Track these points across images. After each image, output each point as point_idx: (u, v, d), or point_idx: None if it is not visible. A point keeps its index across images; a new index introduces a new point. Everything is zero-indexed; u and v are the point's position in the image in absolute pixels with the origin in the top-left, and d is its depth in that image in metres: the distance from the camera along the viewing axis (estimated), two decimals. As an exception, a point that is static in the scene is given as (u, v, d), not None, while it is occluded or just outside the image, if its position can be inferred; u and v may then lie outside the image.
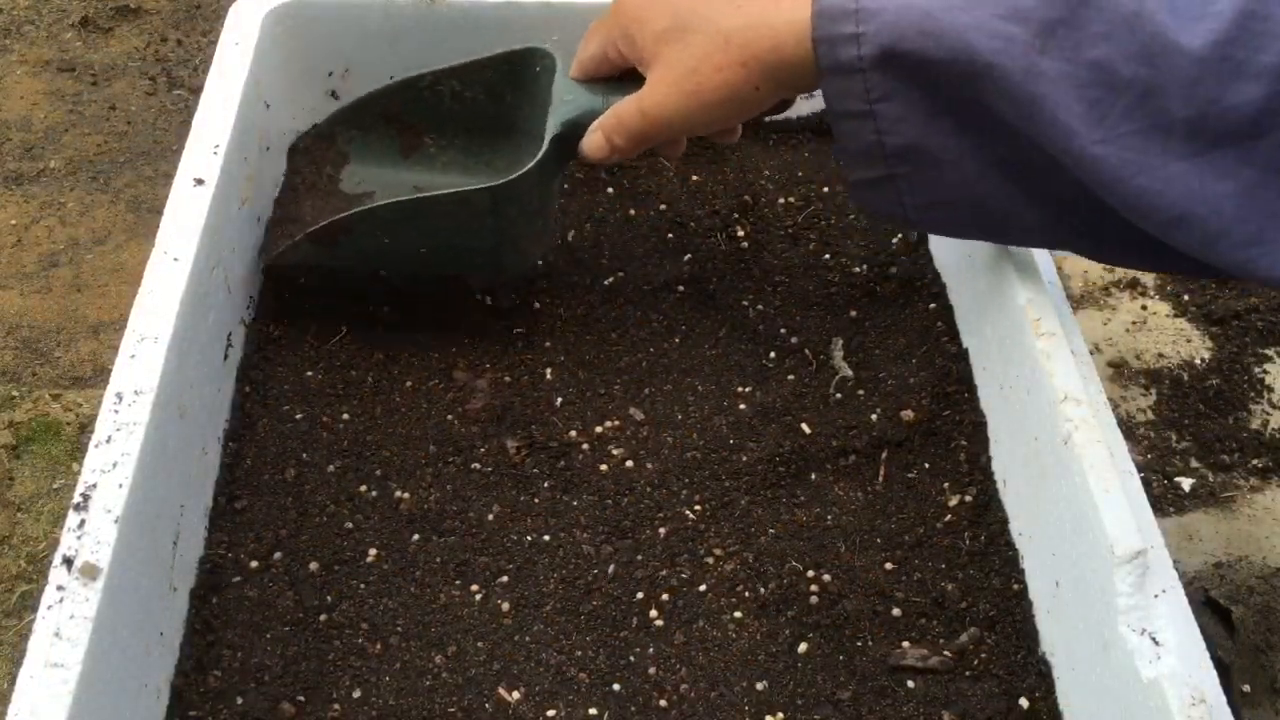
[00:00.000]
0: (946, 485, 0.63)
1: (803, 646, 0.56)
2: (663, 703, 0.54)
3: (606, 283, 0.72)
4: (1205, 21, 0.45)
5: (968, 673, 0.56)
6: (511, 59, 0.66)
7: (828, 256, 0.75)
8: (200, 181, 0.63)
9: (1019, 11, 0.49)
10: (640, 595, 0.58)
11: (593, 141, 0.62)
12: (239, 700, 0.53)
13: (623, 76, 0.62)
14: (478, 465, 0.62)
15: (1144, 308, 1.02)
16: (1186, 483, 0.86)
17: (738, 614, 0.57)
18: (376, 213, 0.62)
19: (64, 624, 0.45)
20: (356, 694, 0.54)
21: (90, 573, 0.47)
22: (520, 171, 0.61)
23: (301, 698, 0.53)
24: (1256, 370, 0.98)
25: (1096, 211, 0.51)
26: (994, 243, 0.61)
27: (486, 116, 0.67)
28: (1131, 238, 0.51)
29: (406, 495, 0.61)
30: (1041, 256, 0.62)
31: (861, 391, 0.67)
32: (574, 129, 0.62)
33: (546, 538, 0.60)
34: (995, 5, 0.49)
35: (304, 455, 0.62)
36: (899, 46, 0.50)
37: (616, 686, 0.54)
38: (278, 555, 0.58)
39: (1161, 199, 0.47)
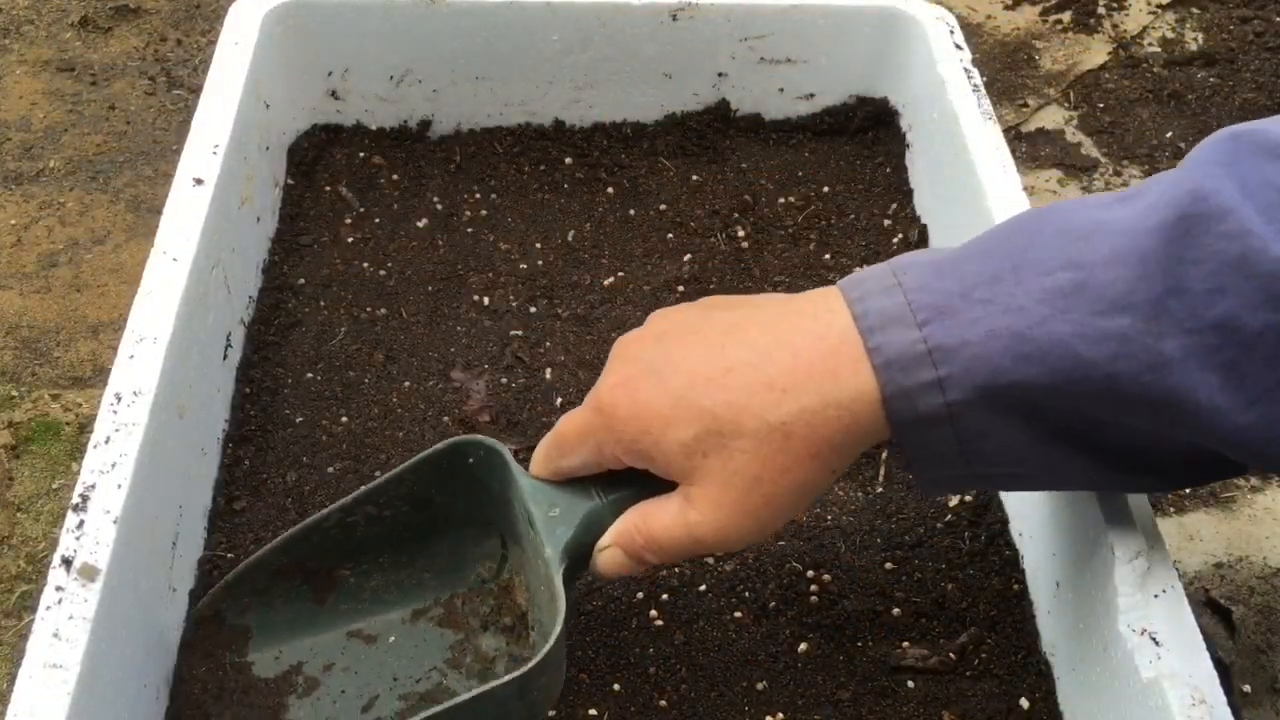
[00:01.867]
0: (946, 485, 0.63)
1: (803, 646, 0.56)
2: (663, 703, 0.54)
3: (606, 283, 0.72)
4: None
5: (968, 673, 0.55)
6: (436, 461, 0.51)
7: (828, 256, 0.74)
8: (200, 181, 0.63)
9: (1118, 301, 0.41)
10: (640, 595, 0.58)
11: (612, 561, 0.49)
12: (238, 701, 0.53)
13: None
14: (477, 465, 0.62)
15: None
16: (1186, 483, 0.86)
17: (738, 614, 0.57)
18: None
19: (63, 624, 0.45)
20: (356, 694, 0.54)
21: (89, 573, 0.46)
22: (549, 645, 0.46)
23: (301, 698, 0.53)
24: (1256, 370, 0.97)
25: (1189, 464, 0.46)
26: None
27: (412, 525, 0.53)
28: (1201, 471, 0.46)
29: (406, 495, 0.61)
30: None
31: (861, 391, 0.67)
32: (579, 548, 0.49)
33: (546, 538, 0.60)
34: (1090, 302, 0.41)
35: (303, 457, 0.62)
36: (996, 382, 0.42)
37: (616, 686, 0.54)
38: (277, 555, 0.58)
39: None
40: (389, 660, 0.53)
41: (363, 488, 0.51)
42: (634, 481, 0.49)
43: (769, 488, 0.45)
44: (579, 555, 0.49)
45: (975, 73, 0.73)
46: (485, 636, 0.53)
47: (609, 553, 0.49)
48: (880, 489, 0.63)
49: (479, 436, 0.51)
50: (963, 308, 0.42)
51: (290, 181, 0.77)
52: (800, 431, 0.44)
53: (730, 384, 0.44)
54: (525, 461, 0.51)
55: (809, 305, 0.46)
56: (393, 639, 0.54)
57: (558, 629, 0.46)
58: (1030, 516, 0.58)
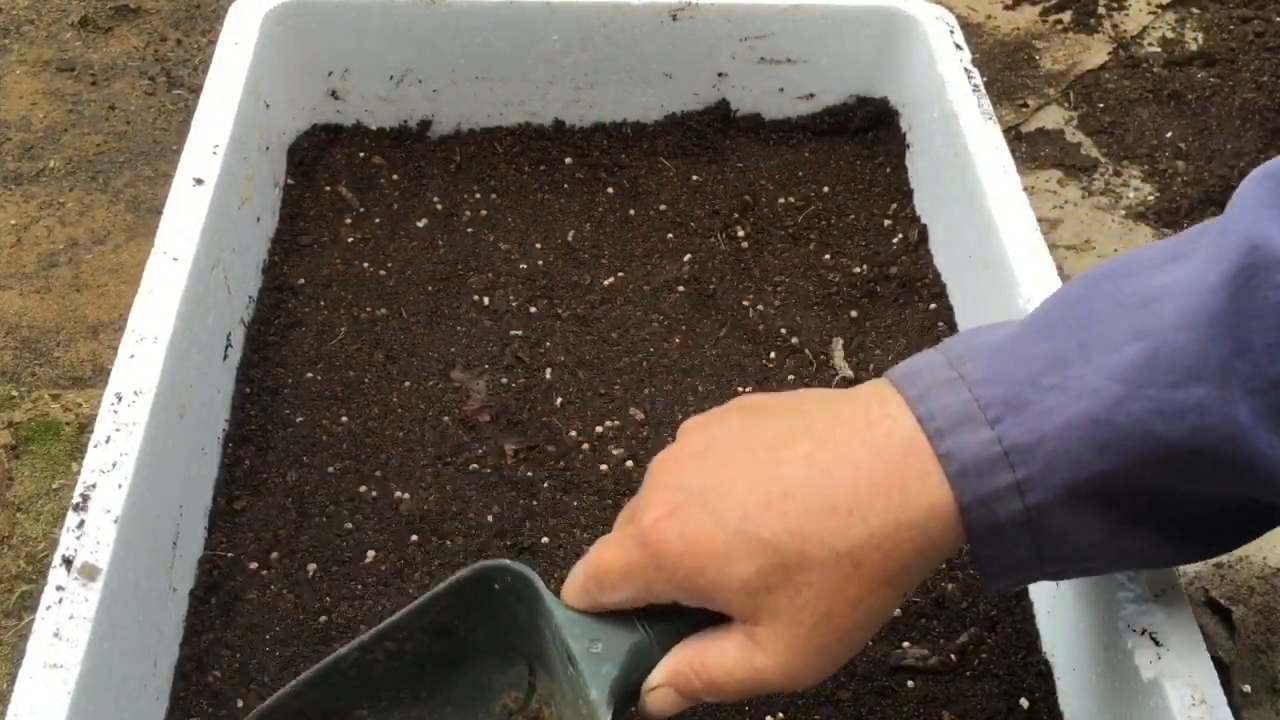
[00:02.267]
0: (946, 485, 0.62)
1: (803, 647, 0.56)
2: (663, 703, 0.54)
3: (606, 283, 0.72)
4: None
5: (968, 673, 0.55)
6: (461, 590, 0.47)
7: (828, 256, 0.74)
8: (200, 181, 0.63)
9: (1193, 370, 0.38)
10: (640, 595, 0.58)
11: (665, 701, 0.44)
12: (239, 701, 0.53)
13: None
14: (476, 466, 0.62)
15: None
16: (1186, 483, 0.86)
17: (738, 614, 0.57)
18: None
19: (63, 624, 0.45)
20: (356, 694, 0.54)
21: (90, 573, 0.46)
22: None
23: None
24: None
25: (1254, 519, 0.43)
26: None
27: (433, 657, 0.49)
28: (1265, 524, 0.43)
29: (406, 496, 0.61)
30: (1040, 253, 0.62)
31: (861, 391, 0.67)
32: (626, 687, 0.45)
33: (546, 539, 0.60)
34: (1164, 373, 0.39)
35: (304, 457, 0.62)
36: (1077, 477, 0.39)
37: (616, 687, 0.54)
38: (275, 555, 0.58)
39: None
40: None
41: (383, 622, 0.47)
42: (680, 613, 0.44)
43: (841, 621, 0.41)
44: (625, 694, 0.45)
45: (975, 73, 0.73)
46: None
47: (661, 693, 0.44)
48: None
49: (506, 562, 0.47)
50: (1034, 398, 0.40)
51: (290, 181, 0.77)
52: (872, 559, 0.40)
53: (790, 510, 0.41)
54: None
55: (863, 409, 0.42)
56: None
57: None
58: (1030, 516, 0.58)
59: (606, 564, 0.44)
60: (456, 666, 0.49)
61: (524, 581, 0.47)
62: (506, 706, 0.50)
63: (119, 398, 0.53)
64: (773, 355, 0.69)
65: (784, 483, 0.41)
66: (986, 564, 0.42)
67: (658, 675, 0.44)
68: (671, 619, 0.45)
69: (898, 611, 0.57)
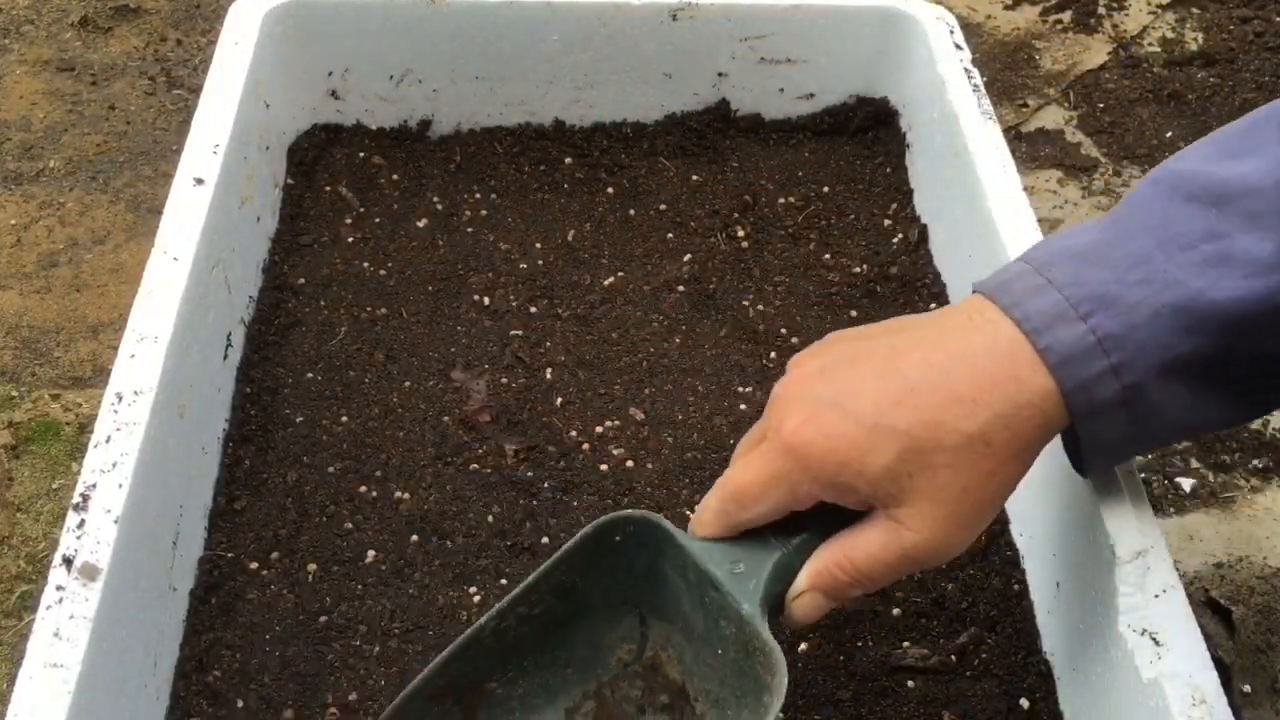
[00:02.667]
0: (946, 485, 0.62)
1: (803, 646, 0.56)
2: (663, 703, 0.54)
3: (606, 283, 0.72)
4: None
5: (968, 673, 0.55)
6: (585, 546, 0.49)
7: (828, 256, 0.74)
8: (200, 181, 0.63)
9: (1267, 260, 0.43)
10: (640, 595, 0.58)
11: (811, 606, 0.47)
12: (239, 701, 0.53)
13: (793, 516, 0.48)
14: (477, 466, 0.62)
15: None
16: (1186, 483, 0.86)
17: (738, 614, 0.57)
18: None
19: (63, 624, 0.45)
20: (353, 696, 0.54)
21: (90, 573, 0.46)
22: (780, 700, 0.44)
23: (300, 699, 0.53)
24: (1256, 370, 0.97)
25: None
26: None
27: (556, 618, 0.50)
28: None
29: (406, 496, 0.61)
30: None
31: (861, 391, 0.67)
32: (772, 600, 0.47)
33: (546, 540, 0.60)
34: (1241, 267, 0.44)
35: (304, 457, 0.62)
36: (1167, 358, 0.44)
37: (616, 687, 0.54)
38: (275, 555, 0.58)
39: None
40: None
41: (516, 589, 0.48)
42: (811, 524, 0.47)
43: (978, 494, 0.45)
44: (771, 609, 0.47)
45: (975, 73, 0.73)
46: None
47: (807, 598, 0.47)
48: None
49: (629, 511, 0.49)
50: (1121, 293, 0.44)
51: (290, 181, 0.77)
52: (1001, 436, 0.44)
53: (919, 403, 0.45)
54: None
55: (964, 319, 0.46)
56: None
57: (784, 680, 0.44)
58: (1031, 517, 0.58)
59: (749, 479, 0.47)
60: (573, 626, 0.51)
61: (649, 526, 0.48)
62: (621, 659, 0.52)
63: (119, 398, 0.53)
64: (773, 355, 0.69)
65: (908, 381, 0.45)
66: (1089, 444, 0.46)
67: (802, 580, 0.47)
68: (803, 532, 0.47)
69: (897, 612, 0.57)
